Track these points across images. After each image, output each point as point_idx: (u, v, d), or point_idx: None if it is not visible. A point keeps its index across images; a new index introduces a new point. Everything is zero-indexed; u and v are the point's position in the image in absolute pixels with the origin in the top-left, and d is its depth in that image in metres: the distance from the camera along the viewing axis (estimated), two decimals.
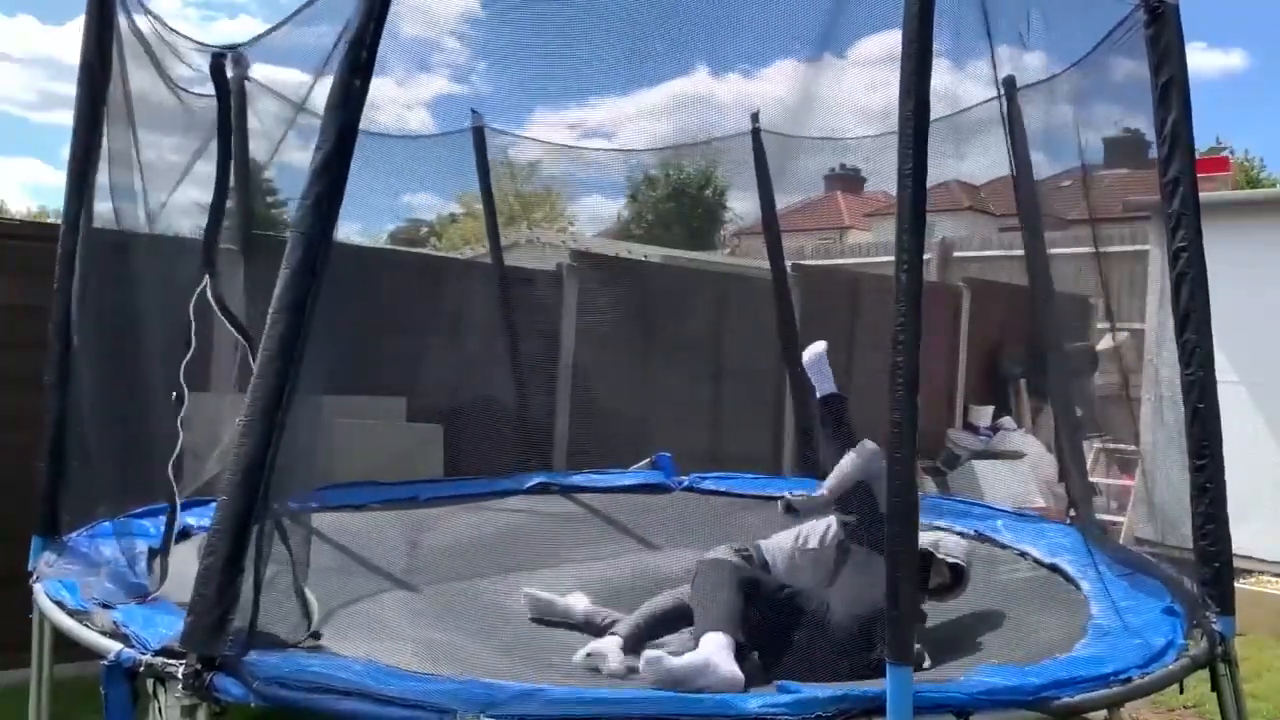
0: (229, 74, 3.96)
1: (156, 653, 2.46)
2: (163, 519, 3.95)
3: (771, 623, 3.26)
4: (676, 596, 3.61)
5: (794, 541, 3.92)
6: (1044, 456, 8.94)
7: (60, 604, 2.97)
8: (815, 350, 4.47)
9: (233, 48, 3.97)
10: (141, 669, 2.47)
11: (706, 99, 5.55)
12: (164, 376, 3.66)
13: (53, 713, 3.51)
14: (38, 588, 3.20)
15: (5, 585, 3.52)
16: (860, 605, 3.24)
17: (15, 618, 3.44)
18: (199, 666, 2.37)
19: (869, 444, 3.84)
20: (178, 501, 3.46)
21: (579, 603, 3.92)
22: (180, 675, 2.36)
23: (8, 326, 4.47)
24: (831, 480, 3.88)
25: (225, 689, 2.36)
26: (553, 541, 4.92)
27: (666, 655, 2.95)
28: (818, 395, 4.39)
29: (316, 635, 2.85)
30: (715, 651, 2.99)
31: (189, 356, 3.52)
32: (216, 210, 3.94)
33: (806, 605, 3.39)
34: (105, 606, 2.86)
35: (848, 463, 3.84)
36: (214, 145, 4.05)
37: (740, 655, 3.10)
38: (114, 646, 2.57)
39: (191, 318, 3.59)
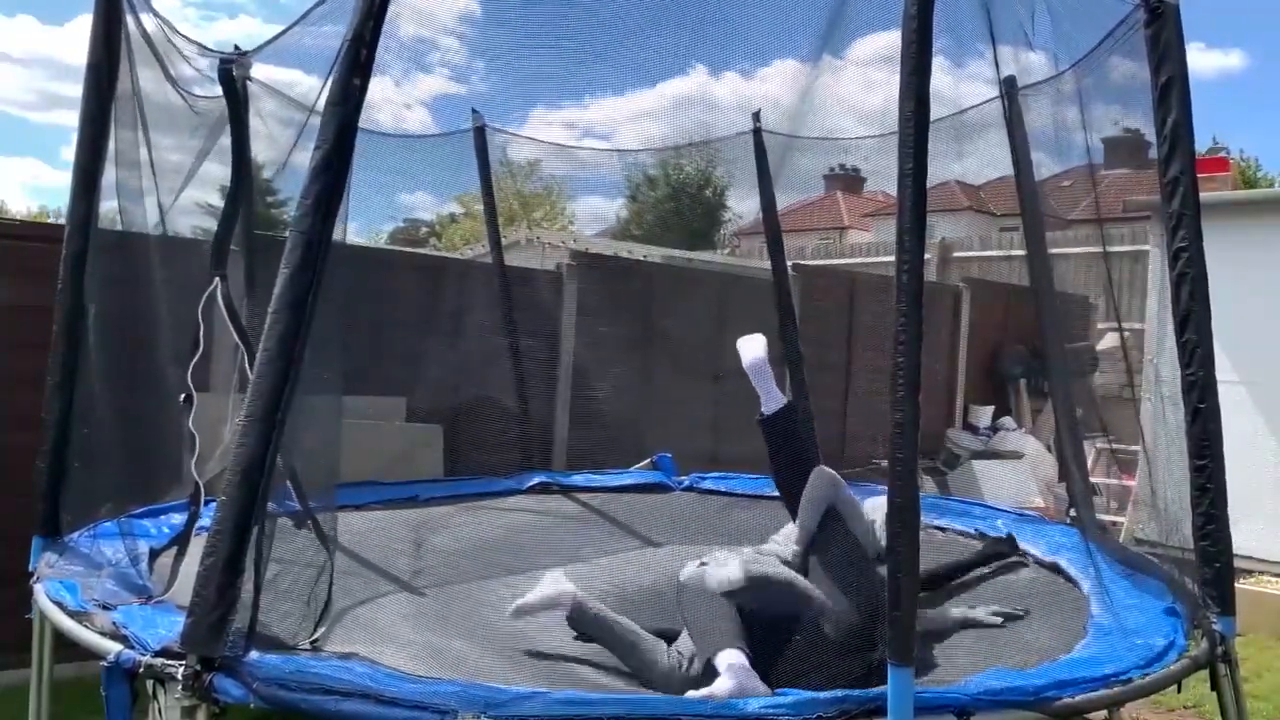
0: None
1: (156, 654, 2.46)
2: (164, 519, 3.97)
3: (763, 632, 3.22)
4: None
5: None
6: (1044, 456, 8.94)
7: (60, 604, 2.96)
8: (756, 351, 3.84)
9: (241, 53, 3.97)
10: (141, 670, 2.47)
11: (706, 99, 5.56)
12: (168, 377, 3.66)
13: (53, 713, 3.51)
14: (38, 588, 3.19)
15: (5, 585, 3.52)
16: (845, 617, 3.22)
17: (15, 618, 3.43)
18: (199, 667, 2.37)
19: (825, 471, 3.59)
20: (201, 501, 3.47)
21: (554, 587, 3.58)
22: (180, 676, 2.36)
23: (7, 326, 4.47)
24: (805, 519, 3.54)
25: (225, 690, 2.36)
26: (554, 540, 4.92)
27: (712, 690, 2.87)
28: (765, 411, 3.87)
29: (315, 641, 2.85)
30: (741, 670, 2.93)
31: (196, 358, 3.52)
32: (229, 214, 3.94)
33: (797, 616, 3.35)
34: (105, 607, 2.85)
35: (816, 495, 3.53)
36: (217, 147, 4.05)
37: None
38: (114, 647, 2.57)
39: (200, 319, 3.59)
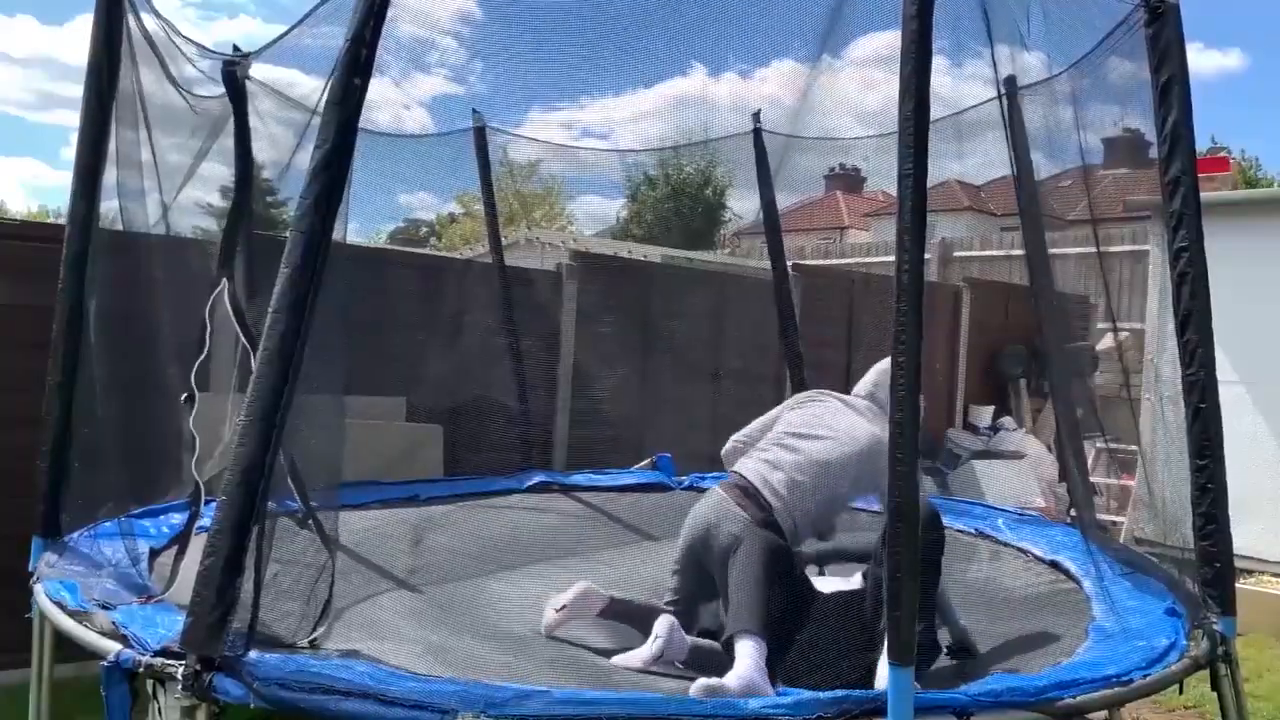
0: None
1: (156, 653, 2.46)
2: (164, 519, 3.97)
3: (789, 619, 3.24)
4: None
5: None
6: (1044, 456, 8.93)
7: (60, 604, 2.96)
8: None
9: (244, 55, 3.96)
10: (141, 669, 2.47)
11: (705, 99, 5.56)
12: (169, 377, 3.65)
13: (53, 713, 3.50)
14: (38, 588, 3.19)
15: (5, 585, 3.51)
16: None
17: (15, 618, 3.43)
18: (198, 667, 2.36)
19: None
20: (201, 500, 3.46)
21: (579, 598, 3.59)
22: (180, 676, 2.36)
23: (7, 326, 4.46)
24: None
25: (225, 689, 2.36)
26: (554, 538, 4.92)
27: (725, 683, 2.90)
28: None
29: (314, 640, 2.85)
30: (755, 668, 2.97)
31: (201, 359, 3.52)
32: (234, 215, 3.94)
33: (826, 601, 3.36)
34: (105, 607, 2.85)
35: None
36: (217, 146, 4.05)
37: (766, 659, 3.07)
38: (114, 647, 2.57)
39: (207, 320, 3.58)
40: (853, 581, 3.48)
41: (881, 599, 3.06)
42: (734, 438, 3.96)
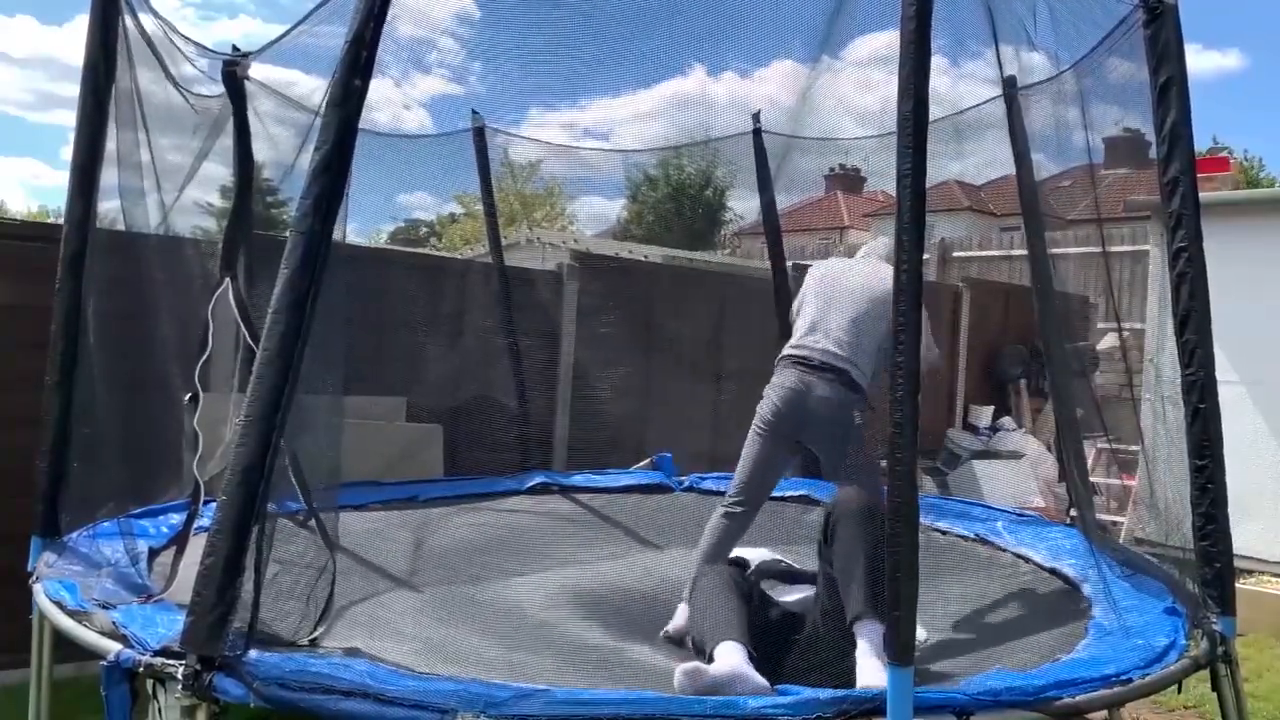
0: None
1: (156, 653, 2.46)
2: (163, 519, 3.97)
3: (765, 629, 3.25)
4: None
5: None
6: (1044, 456, 8.93)
7: (60, 604, 2.96)
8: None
9: (243, 55, 3.96)
10: (141, 669, 2.47)
11: (705, 99, 5.56)
12: (168, 377, 3.65)
13: (53, 713, 3.51)
14: (37, 588, 3.19)
15: (5, 585, 3.52)
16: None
17: (15, 618, 3.43)
18: (199, 667, 2.36)
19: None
20: (201, 500, 3.47)
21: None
22: (180, 675, 2.36)
23: (6, 326, 4.46)
24: None
25: (225, 689, 2.36)
26: (553, 542, 4.92)
27: (706, 666, 2.91)
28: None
29: (314, 640, 2.85)
30: (742, 659, 2.96)
31: (204, 358, 3.52)
32: (236, 216, 3.94)
33: (796, 615, 3.38)
34: (105, 606, 2.85)
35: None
36: (217, 146, 4.05)
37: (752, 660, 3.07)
38: (113, 647, 2.57)
39: (210, 319, 3.58)
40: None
41: (836, 596, 3.11)
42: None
